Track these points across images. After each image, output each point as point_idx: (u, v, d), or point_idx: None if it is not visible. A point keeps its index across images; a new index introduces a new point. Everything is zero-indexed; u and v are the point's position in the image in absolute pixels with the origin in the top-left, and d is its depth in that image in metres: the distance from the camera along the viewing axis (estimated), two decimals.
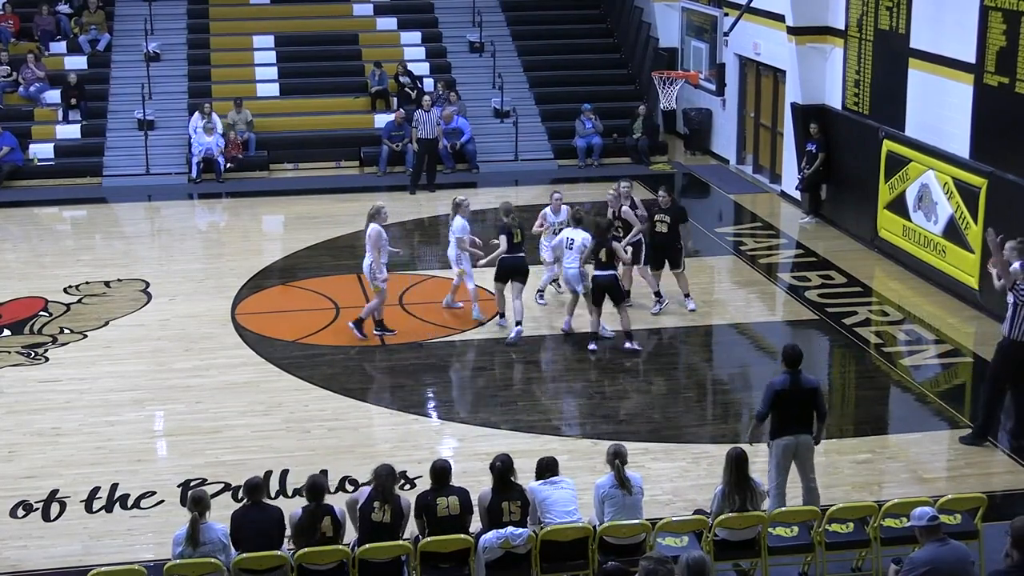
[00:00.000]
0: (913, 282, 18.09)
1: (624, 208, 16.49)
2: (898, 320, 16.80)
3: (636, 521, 9.82)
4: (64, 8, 27.89)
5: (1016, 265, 12.45)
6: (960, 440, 12.91)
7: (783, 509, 10.34)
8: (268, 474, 12.01)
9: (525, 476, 10.04)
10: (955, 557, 8.51)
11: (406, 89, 26.17)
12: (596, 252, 15.26)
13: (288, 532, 9.61)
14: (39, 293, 17.69)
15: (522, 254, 15.83)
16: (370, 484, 9.76)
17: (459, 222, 16.14)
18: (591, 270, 15.40)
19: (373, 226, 15.47)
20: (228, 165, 24.35)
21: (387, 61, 26.78)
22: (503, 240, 15.75)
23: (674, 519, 10.21)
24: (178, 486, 11.93)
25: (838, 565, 10.36)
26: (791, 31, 21.53)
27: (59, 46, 27.18)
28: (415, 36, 28.40)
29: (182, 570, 9.25)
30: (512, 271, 15.73)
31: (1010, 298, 12.42)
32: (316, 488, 9.63)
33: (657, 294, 16.77)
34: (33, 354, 15.46)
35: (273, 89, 26.82)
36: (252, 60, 27.39)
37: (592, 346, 15.43)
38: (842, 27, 20.61)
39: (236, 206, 23.28)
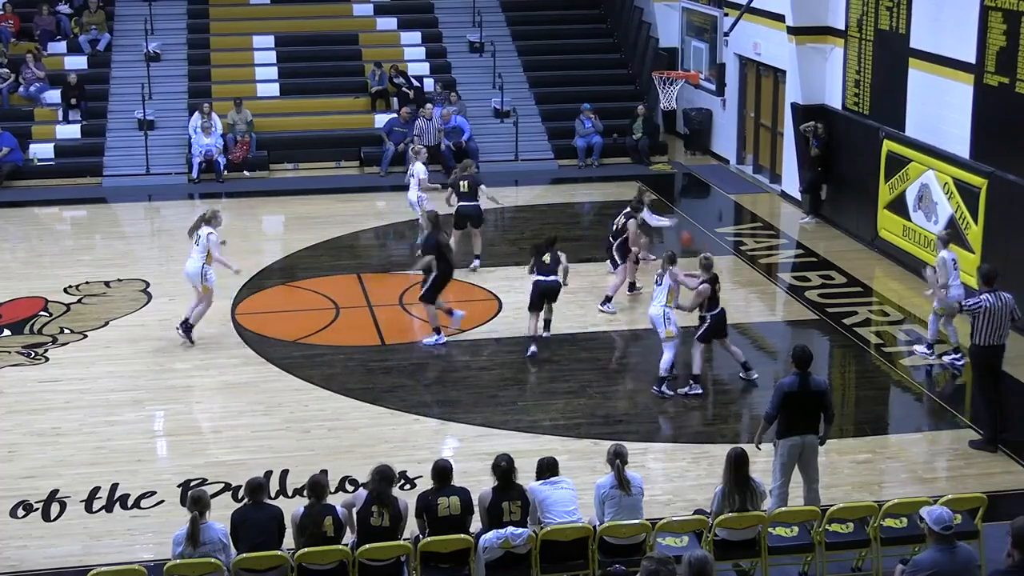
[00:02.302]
0: (913, 282, 18.07)
1: (703, 286, 14.17)
2: (898, 320, 16.80)
3: (636, 521, 9.82)
4: (64, 8, 27.89)
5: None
6: (970, 444, 12.90)
7: (783, 509, 10.34)
8: (268, 474, 12.00)
9: (525, 476, 10.04)
10: (959, 562, 8.42)
11: (403, 90, 26.18)
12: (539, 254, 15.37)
13: (289, 531, 9.61)
14: (39, 293, 17.69)
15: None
16: (366, 487, 9.76)
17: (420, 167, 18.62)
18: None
19: (212, 232, 15.47)
20: (227, 167, 24.39)
21: (387, 61, 26.81)
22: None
23: (674, 519, 10.21)
24: (178, 486, 11.93)
25: (838, 565, 10.36)
26: (791, 31, 21.53)
27: (59, 46, 27.18)
28: (415, 36, 28.41)
29: (182, 570, 9.25)
30: None
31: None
32: (318, 487, 9.63)
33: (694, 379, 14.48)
34: (33, 354, 15.46)
35: (273, 89, 26.82)
36: (252, 60, 27.39)
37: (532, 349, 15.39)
38: (842, 27, 20.61)
39: (236, 206, 23.25)
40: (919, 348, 15.37)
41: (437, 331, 15.70)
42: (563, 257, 15.50)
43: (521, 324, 16.35)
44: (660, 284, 14.26)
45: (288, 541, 9.63)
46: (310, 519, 9.46)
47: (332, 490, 11.28)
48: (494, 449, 11.28)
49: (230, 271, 16.09)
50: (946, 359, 15.08)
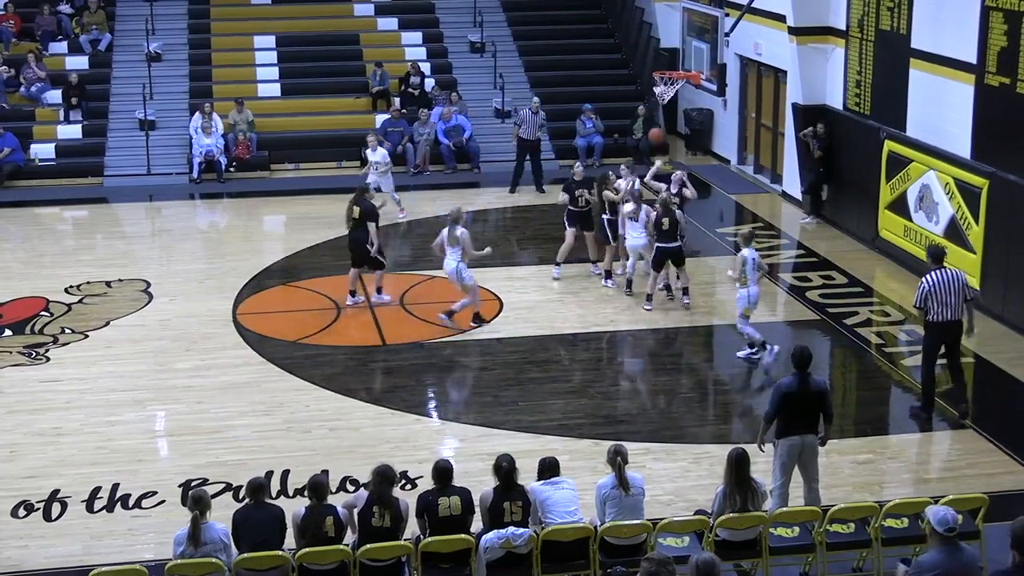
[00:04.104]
0: (914, 282, 17.86)
1: (653, 214, 16.92)
2: (899, 320, 16.80)
3: (637, 521, 9.82)
4: (65, 8, 27.90)
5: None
6: (910, 414, 13.48)
7: (784, 509, 10.35)
8: (269, 474, 12.01)
9: (526, 476, 10.04)
10: (962, 563, 8.39)
11: (410, 89, 26.17)
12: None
13: (290, 531, 9.61)
14: (40, 293, 17.69)
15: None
16: (367, 488, 9.75)
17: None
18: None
19: (463, 229, 15.92)
20: (232, 167, 24.41)
21: (388, 61, 26.82)
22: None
23: (675, 519, 10.21)
24: (179, 486, 11.93)
25: (839, 565, 10.35)
26: (792, 31, 21.53)
27: (60, 46, 27.20)
28: (416, 36, 28.42)
29: (183, 570, 9.26)
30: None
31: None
32: (319, 487, 9.64)
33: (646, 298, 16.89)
34: (34, 354, 15.46)
35: (274, 89, 26.83)
36: (253, 60, 27.40)
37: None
38: (843, 27, 20.60)
39: (237, 206, 23.29)
40: (744, 353, 15.13)
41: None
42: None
43: (520, 325, 16.38)
44: (638, 221, 16.90)
45: (289, 541, 9.64)
46: (311, 519, 9.46)
47: (333, 490, 11.29)
48: (495, 449, 11.28)
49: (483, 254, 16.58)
50: (742, 354, 15.08)
